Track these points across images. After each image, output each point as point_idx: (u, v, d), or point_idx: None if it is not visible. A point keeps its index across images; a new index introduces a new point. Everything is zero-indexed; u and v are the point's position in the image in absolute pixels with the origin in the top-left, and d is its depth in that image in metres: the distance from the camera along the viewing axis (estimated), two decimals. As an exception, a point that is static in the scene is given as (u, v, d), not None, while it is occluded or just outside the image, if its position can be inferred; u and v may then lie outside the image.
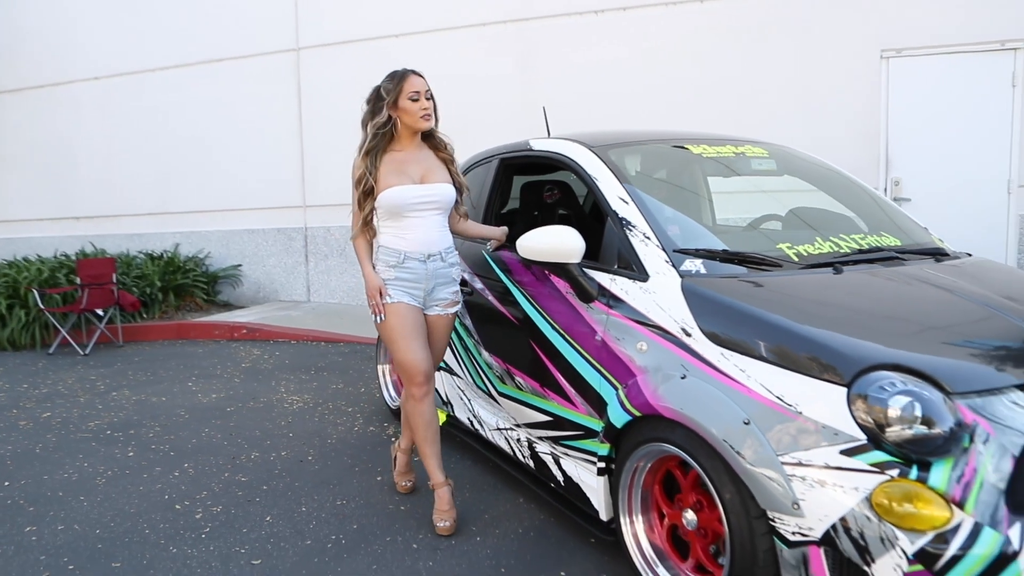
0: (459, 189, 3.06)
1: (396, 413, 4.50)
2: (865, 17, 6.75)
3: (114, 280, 7.40)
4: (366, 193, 2.92)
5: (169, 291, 8.45)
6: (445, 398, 3.95)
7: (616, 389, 2.46)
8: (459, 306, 3.12)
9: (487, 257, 3.44)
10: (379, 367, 4.67)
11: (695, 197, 3.54)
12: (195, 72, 9.26)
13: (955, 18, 6.53)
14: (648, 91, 7.25)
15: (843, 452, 1.89)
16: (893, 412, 1.88)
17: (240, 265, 9.25)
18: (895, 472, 1.84)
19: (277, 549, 2.91)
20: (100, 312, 7.23)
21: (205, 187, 9.39)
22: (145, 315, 8.08)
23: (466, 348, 3.60)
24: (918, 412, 1.87)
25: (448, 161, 3.07)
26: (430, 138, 3.06)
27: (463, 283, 3.62)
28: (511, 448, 3.32)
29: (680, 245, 2.53)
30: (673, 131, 3.52)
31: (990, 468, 1.83)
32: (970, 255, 2.93)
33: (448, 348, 3.81)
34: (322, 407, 4.88)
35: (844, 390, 1.94)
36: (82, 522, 3.23)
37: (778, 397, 2.01)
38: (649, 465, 2.41)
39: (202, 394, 5.32)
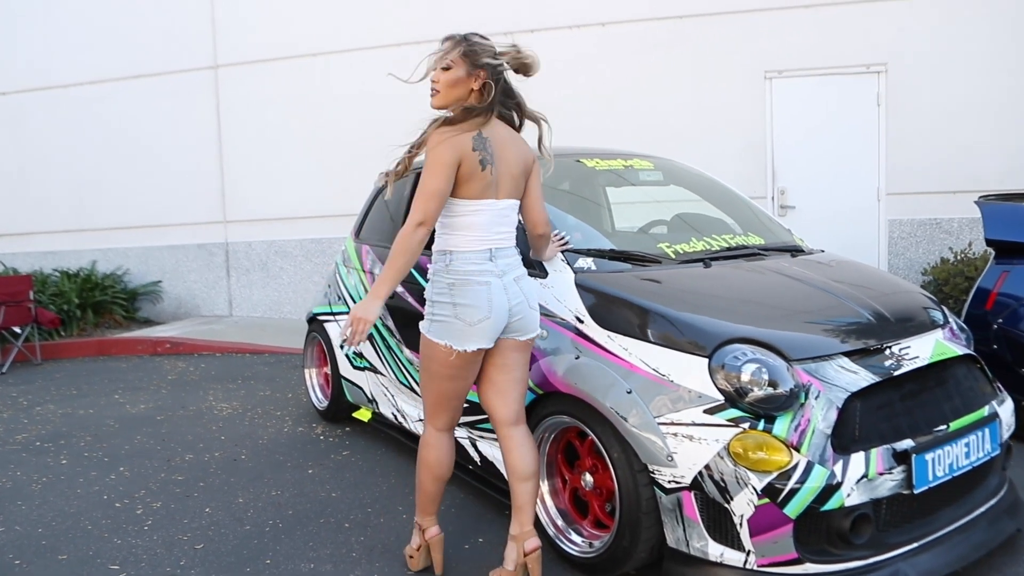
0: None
1: (323, 414, 4.76)
2: (750, 40, 7.38)
3: (31, 298, 7.36)
4: None
5: (87, 308, 8.41)
6: (370, 396, 4.24)
7: (523, 372, 2.83)
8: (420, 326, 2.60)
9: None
10: (306, 371, 4.92)
11: (595, 207, 3.96)
12: (112, 88, 9.25)
13: (828, 43, 7.23)
14: (553, 108, 7.68)
15: (706, 411, 2.30)
16: (745, 376, 2.30)
17: (160, 281, 9.26)
18: (747, 425, 2.26)
19: (218, 535, 3.15)
20: (17, 330, 7.19)
21: (123, 203, 9.36)
22: (63, 332, 8.03)
23: (389, 347, 3.91)
24: (765, 376, 2.30)
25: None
26: None
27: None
28: (433, 436, 3.64)
29: (575, 245, 2.92)
30: (572, 147, 3.93)
31: (820, 418, 2.27)
32: (823, 251, 3.43)
33: (372, 348, 4.11)
34: (251, 412, 5.08)
35: (706, 361, 2.36)
36: (23, 523, 3.38)
37: (654, 369, 2.42)
38: (552, 436, 2.79)
39: (130, 405, 5.44)
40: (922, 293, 3.06)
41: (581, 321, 2.66)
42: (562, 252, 2.86)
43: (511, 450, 2.50)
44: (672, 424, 2.33)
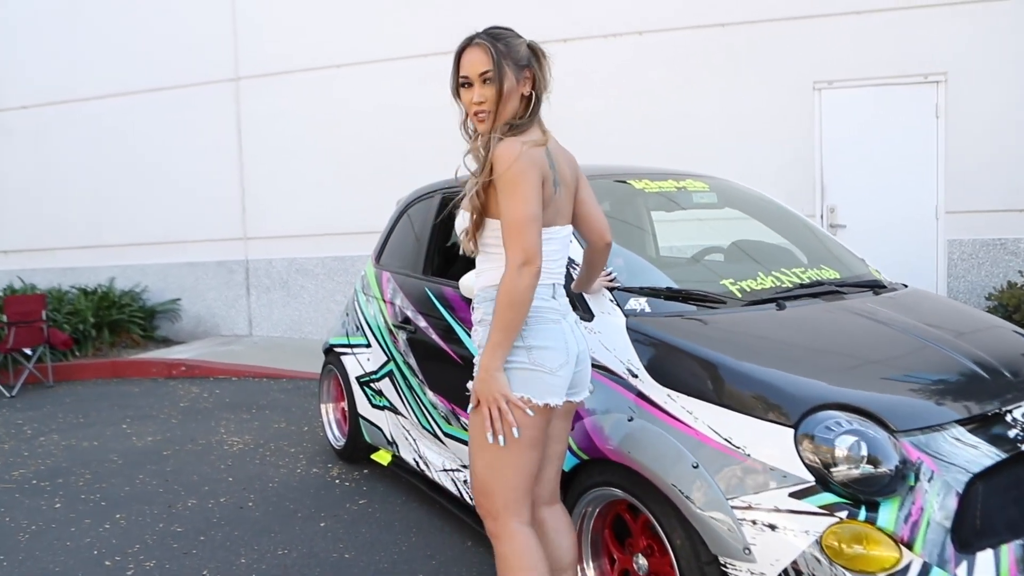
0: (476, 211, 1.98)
1: (340, 453, 4.39)
2: (798, 49, 6.94)
3: (44, 317, 7.10)
4: None
5: (103, 327, 8.15)
6: (390, 438, 3.85)
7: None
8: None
9: (429, 293, 3.38)
10: (322, 406, 4.55)
11: (638, 231, 3.56)
12: (132, 101, 9.02)
13: (882, 52, 6.76)
14: (587, 122, 7.29)
15: (792, 495, 1.88)
16: (840, 452, 1.88)
17: (179, 299, 8.98)
18: (844, 514, 1.83)
19: (214, 606, 2.78)
20: (28, 351, 6.92)
21: (142, 219, 9.12)
22: (78, 353, 7.76)
23: (410, 387, 3.53)
24: (864, 451, 1.88)
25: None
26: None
27: (406, 320, 3.56)
28: (458, 490, 3.24)
29: (624, 282, 2.51)
30: (614, 165, 3.53)
31: (936, 507, 1.84)
32: (905, 286, 2.98)
33: (392, 387, 3.73)
34: (263, 448, 4.72)
35: (791, 431, 1.93)
36: (2, 583, 3.04)
37: (726, 439, 2.00)
38: (598, 510, 2.37)
39: (137, 437, 5.11)
40: (1033, 338, 2.60)
41: (635, 375, 2.25)
42: (610, 291, 2.45)
43: (546, 535, 2.05)
44: (750, 508, 1.91)
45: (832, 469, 1.87)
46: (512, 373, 1.89)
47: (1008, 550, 1.85)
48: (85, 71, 9.22)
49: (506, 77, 1.91)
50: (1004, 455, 1.95)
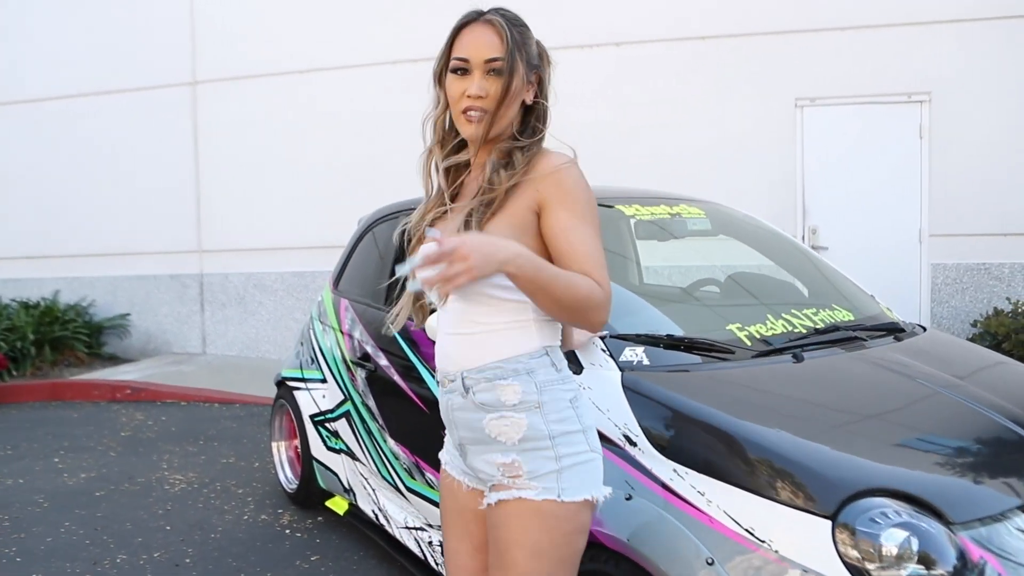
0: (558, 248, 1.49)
1: (292, 497, 3.98)
2: (780, 65, 6.71)
3: (-25, 336, 6.57)
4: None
5: (44, 344, 7.61)
6: (347, 485, 3.46)
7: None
8: (515, 493, 1.49)
9: (394, 328, 3.00)
10: (273, 444, 4.14)
11: (621, 259, 3.23)
12: (80, 104, 8.51)
13: (866, 69, 6.55)
14: (563, 135, 6.98)
15: (830, 603, 1.54)
16: (888, 549, 1.55)
17: (128, 314, 8.46)
18: (894, 628, 1.50)
19: None
20: (-44, 373, 6.39)
21: (90, 229, 8.59)
22: (15, 372, 7.22)
23: (369, 432, 3.15)
24: (915, 547, 1.55)
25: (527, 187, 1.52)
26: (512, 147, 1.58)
27: (365, 356, 3.18)
28: (422, 551, 2.87)
29: (617, 328, 2.17)
30: (599, 187, 3.19)
31: (1004, 620, 1.52)
32: (924, 328, 2.68)
33: (350, 429, 3.34)
34: (208, 488, 4.29)
35: (828, 522, 1.60)
36: None
37: (747, 530, 1.66)
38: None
39: (69, 473, 4.64)
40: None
41: (633, 444, 1.90)
42: (600, 339, 2.10)
43: None
44: (777, 618, 1.57)
45: (879, 571, 1.54)
46: (578, 470, 1.49)
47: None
48: (28, 71, 8.68)
49: (517, 72, 1.51)
50: (1075, 550, 1.64)
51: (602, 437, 1.91)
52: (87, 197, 8.54)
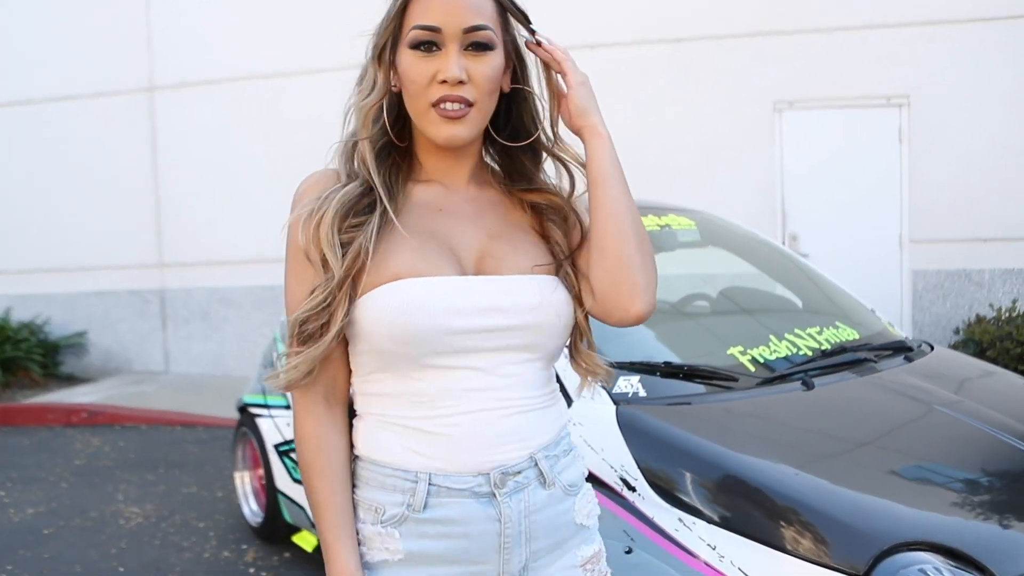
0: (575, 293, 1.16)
1: (256, 531, 3.72)
2: (757, 67, 6.59)
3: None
4: (349, 276, 1.06)
5: (-5, 366, 7.25)
6: (314, 519, 3.21)
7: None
8: None
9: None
10: (236, 474, 3.88)
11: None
12: (31, 111, 8.15)
13: (844, 72, 6.45)
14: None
15: None
16: (928, 614, 1.35)
17: (86, 332, 8.11)
18: None
19: None
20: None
21: (45, 242, 8.22)
22: (-37, 396, 6.86)
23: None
24: (957, 608, 1.36)
25: (552, 215, 1.19)
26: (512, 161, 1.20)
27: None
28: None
29: (608, 355, 1.95)
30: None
31: None
32: (931, 347, 2.51)
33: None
34: (167, 523, 4.01)
35: (859, 582, 1.40)
36: None
37: (767, 591, 1.46)
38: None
39: (15, 508, 4.33)
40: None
41: (632, 488, 1.69)
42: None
43: None
44: None
45: (918, 638, 1.34)
46: None
47: None
48: (-21, 76, 8.31)
49: (496, 46, 1.10)
50: None
51: (596, 481, 1.71)
52: (40, 209, 8.17)
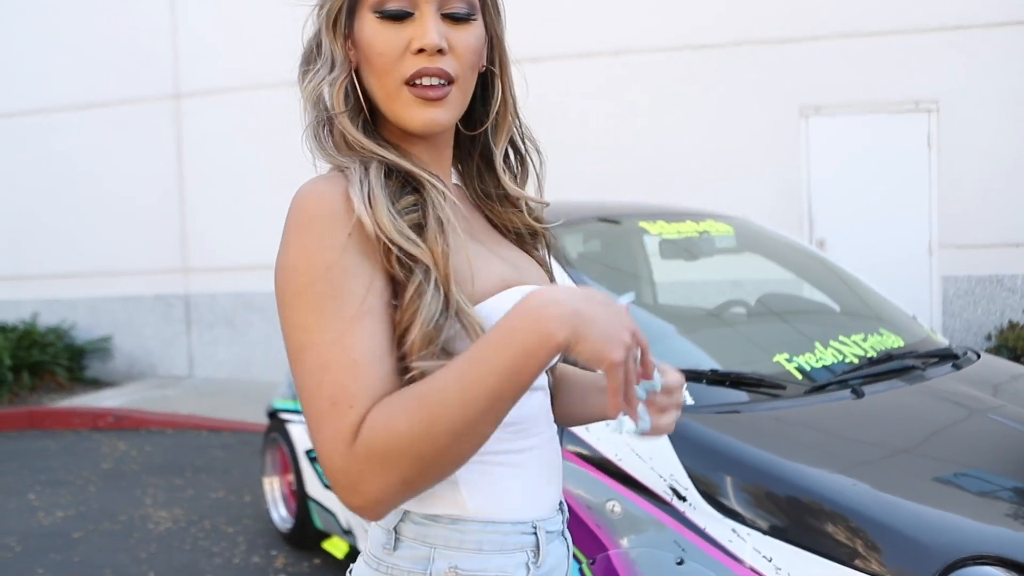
0: None
1: (286, 537, 3.71)
2: (783, 73, 6.54)
3: (-51, 362, 6.27)
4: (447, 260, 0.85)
5: (23, 370, 7.30)
6: (346, 526, 3.20)
7: (578, 562, 1.82)
8: None
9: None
10: (265, 480, 3.88)
11: (633, 276, 3.00)
12: (58, 119, 8.23)
13: (872, 77, 6.39)
14: (559, 148, 6.78)
15: None
16: (997, 630, 1.31)
17: (111, 336, 8.17)
18: None
19: None
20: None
21: (70, 248, 8.30)
22: (-8, 399, 6.92)
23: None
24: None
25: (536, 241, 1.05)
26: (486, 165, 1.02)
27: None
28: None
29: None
30: (620, 202, 2.98)
31: None
32: (978, 355, 2.46)
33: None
34: (196, 527, 4.01)
35: (925, 597, 1.37)
36: None
37: (827, 605, 1.42)
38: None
39: (44, 511, 4.35)
40: None
41: (682, 498, 1.66)
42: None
43: None
44: None
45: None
46: None
47: None
48: (4, 84, 8.41)
49: (499, 20, 0.96)
50: None
51: (645, 490, 1.68)
52: (66, 215, 8.25)
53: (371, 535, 0.93)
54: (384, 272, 0.82)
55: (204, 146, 7.81)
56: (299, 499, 3.50)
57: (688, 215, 2.74)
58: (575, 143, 6.69)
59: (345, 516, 3.21)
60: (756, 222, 3.04)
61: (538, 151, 1.02)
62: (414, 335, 0.80)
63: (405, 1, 0.87)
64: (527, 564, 0.89)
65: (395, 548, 0.88)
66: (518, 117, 1.00)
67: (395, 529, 0.89)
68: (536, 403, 0.93)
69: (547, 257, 1.05)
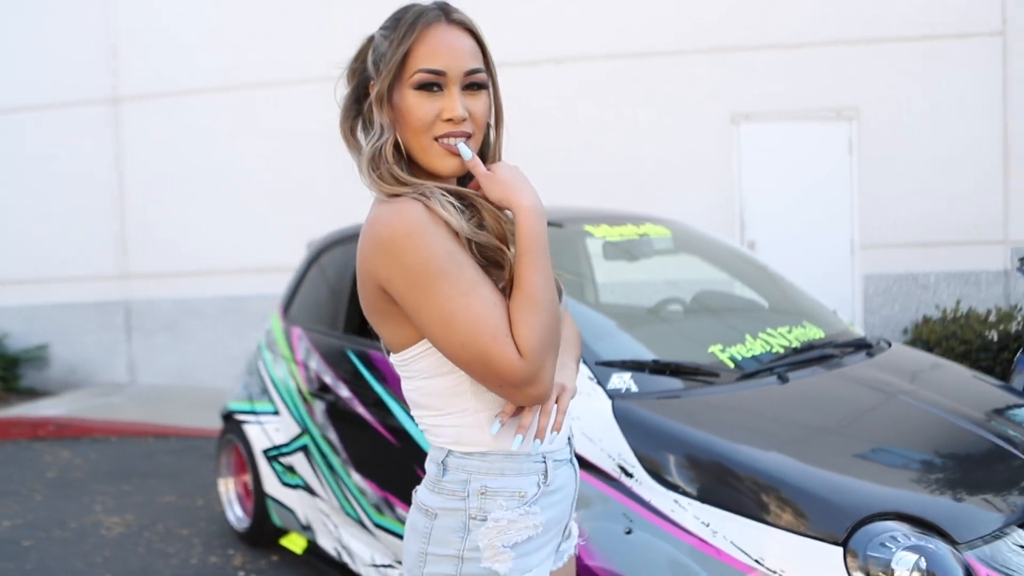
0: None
1: (243, 536, 3.78)
2: (717, 82, 6.84)
3: None
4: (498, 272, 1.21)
5: (-46, 381, 7.13)
6: (305, 522, 3.30)
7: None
8: (576, 535, 1.46)
9: (352, 357, 2.88)
10: (221, 480, 3.93)
11: (576, 278, 3.18)
12: (-10, 123, 8.05)
13: (798, 87, 6.75)
14: (504, 154, 6.96)
15: (847, 634, 1.51)
16: (899, 573, 1.53)
17: (47, 345, 8.00)
18: (912, 657, 1.48)
19: None
20: None
21: (2, 255, 8.10)
22: (-78, 412, 6.72)
23: (330, 467, 3.01)
24: (923, 567, 1.53)
25: None
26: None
27: (323, 388, 3.04)
28: (392, 589, 2.74)
29: (601, 355, 2.11)
30: (566, 207, 3.16)
31: (1016, 641, 1.52)
32: (889, 344, 2.72)
33: (308, 464, 3.19)
34: (149, 531, 4.04)
35: (839, 549, 1.57)
36: None
37: (756, 560, 1.62)
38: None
39: (-9, 521, 4.31)
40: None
41: (629, 475, 1.84)
42: (588, 365, 2.04)
43: None
44: (794, 652, 1.53)
45: (890, 597, 1.52)
46: None
47: None
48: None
49: (496, 85, 1.31)
50: (1072, 564, 1.65)
51: (596, 469, 1.85)
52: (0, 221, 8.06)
53: (427, 469, 1.28)
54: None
55: (144, 150, 7.72)
56: (257, 498, 3.58)
57: (629, 219, 2.93)
58: (520, 150, 6.87)
59: (304, 512, 3.32)
60: (692, 225, 3.26)
61: None
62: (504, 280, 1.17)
63: (438, 82, 1.19)
64: (538, 483, 1.23)
65: (443, 476, 1.24)
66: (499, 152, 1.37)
67: (443, 463, 1.24)
68: None
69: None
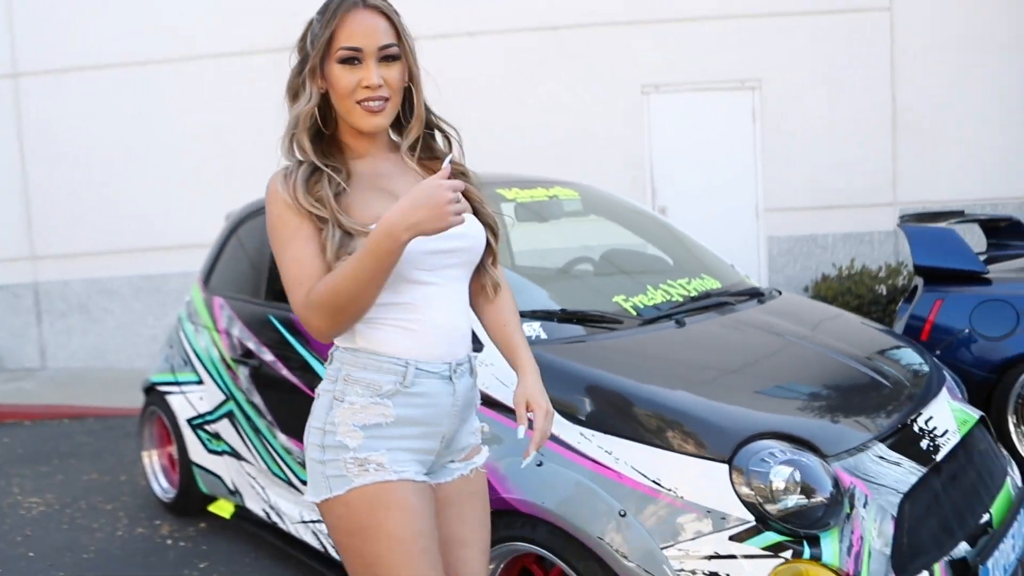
0: (492, 229, 1.60)
1: (168, 506, 3.80)
2: (628, 53, 7.04)
3: None
4: (342, 232, 1.42)
5: None
6: (232, 487, 3.36)
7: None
8: (485, 453, 1.67)
9: (275, 322, 2.95)
10: (144, 453, 3.94)
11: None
12: None
13: (704, 58, 7.01)
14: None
15: (732, 538, 1.71)
16: (777, 484, 1.73)
17: (-51, 331, 7.68)
18: (789, 553, 1.69)
19: None
20: None
21: None
22: None
23: (256, 430, 3.08)
24: (797, 479, 1.74)
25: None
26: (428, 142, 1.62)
27: (247, 354, 3.10)
28: (320, 543, 2.85)
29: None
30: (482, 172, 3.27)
31: (875, 533, 1.74)
32: (780, 292, 2.96)
33: (233, 429, 3.25)
34: (72, 508, 4.02)
35: (725, 466, 1.76)
36: None
37: (654, 481, 1.80)
38: (501, 566, 2.10)
39: (-99, 508, 4.19)
40: (907, 341, 2.64)
41: (540, 412, 1.99)
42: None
43: None
44: (687, 557, 1.72)
45: (769, 504, 1.72)
46: None
47: (940, 569, 1.78)
48: None
49: (413, 56, 1.54)
50: (924, 470, 1.90)
51: (508, 409, 2.00)
52: None
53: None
54: (311, 222, 1.43)
55: (47, 127, 7.44)
56: (183, 467, 3.62)
57: (539, 182, 3.08)
58: (454, 120, 6.93)
59: (231, 477, 3.38)
60: (599, 188, 3.43)
61: (452, 127, 1.66)
62: (330, 250, 1.41)
63: (357, 56, 1.45)
64: (396, 384, 1.47)
65: (330, 364, 1.54)
66: (430, 112, 1.62)
67: (331, 354, 1.54)
68: (423, 294, 1.48)
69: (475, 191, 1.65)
